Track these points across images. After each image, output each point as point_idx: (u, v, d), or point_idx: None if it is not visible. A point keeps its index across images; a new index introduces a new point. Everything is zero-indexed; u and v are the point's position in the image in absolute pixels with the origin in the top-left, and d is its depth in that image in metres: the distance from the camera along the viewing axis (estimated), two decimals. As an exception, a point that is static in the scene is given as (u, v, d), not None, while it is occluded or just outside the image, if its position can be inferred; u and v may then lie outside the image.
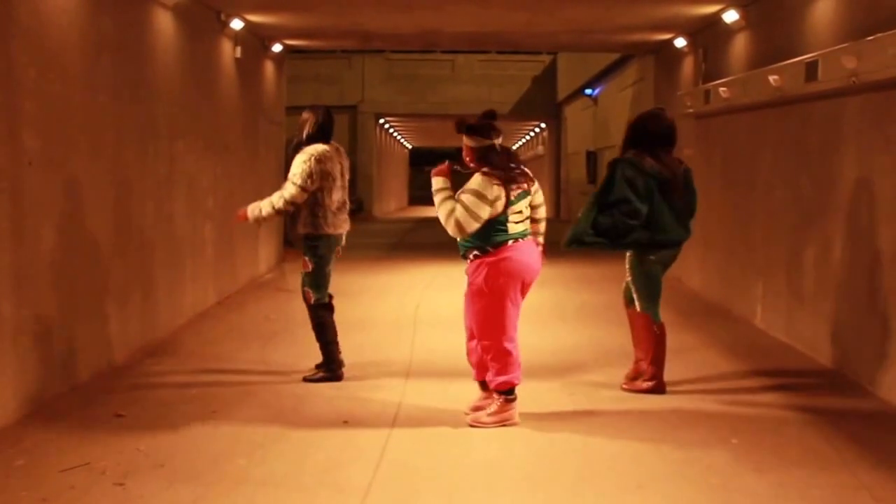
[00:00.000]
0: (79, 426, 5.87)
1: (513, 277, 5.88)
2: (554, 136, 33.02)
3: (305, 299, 7.16)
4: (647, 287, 6.82)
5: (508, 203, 5.83)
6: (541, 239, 6.21)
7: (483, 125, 5.96)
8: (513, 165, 5.97)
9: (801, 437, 5.77)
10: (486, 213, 5.78)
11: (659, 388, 6.77)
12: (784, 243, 8.73)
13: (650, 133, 6.73)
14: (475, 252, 5.92)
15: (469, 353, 6.19)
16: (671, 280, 12.90)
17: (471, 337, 6.12)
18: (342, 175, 7.12)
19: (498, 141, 5.95)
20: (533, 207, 6.10)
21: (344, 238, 7.25)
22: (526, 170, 6.07)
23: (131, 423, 5.97)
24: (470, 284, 6.00)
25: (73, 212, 6.81)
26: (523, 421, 6.00)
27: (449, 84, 31.68)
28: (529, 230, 6.02)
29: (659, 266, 6.83)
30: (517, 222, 5.90)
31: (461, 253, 6.06)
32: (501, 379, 5.94)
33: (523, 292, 6.02)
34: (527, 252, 5.93)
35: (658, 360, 6.80)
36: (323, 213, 7.01)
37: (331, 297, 7.21)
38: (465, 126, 5.96)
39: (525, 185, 5.96)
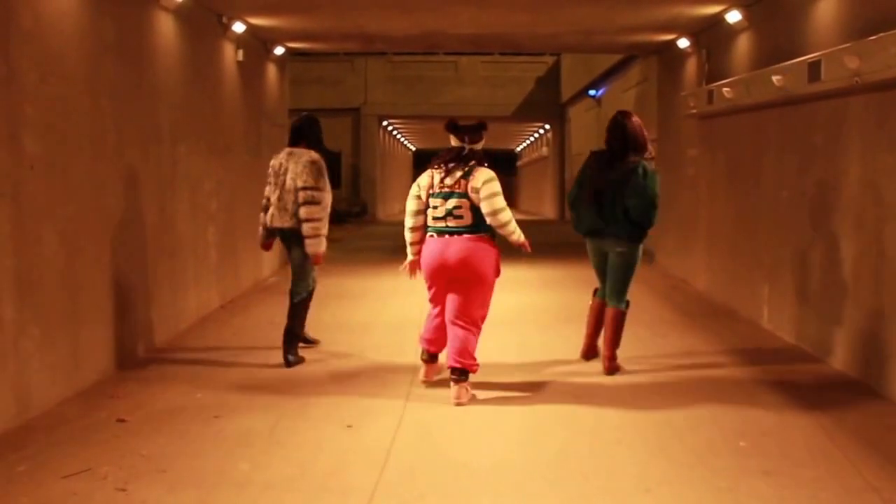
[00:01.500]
0: (81, 431, 5.85)
1: (424, 268, 6.74)
2: (558, 137, 32.99)
3: None
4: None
5: (430, 195, 6.65)
6: (515, 237, 6.71)
7: (458, 126, 6.71)
8: (444, 164, 6.64)
9: (808, 438, 5.73)
10: (414, 196, 6.76)
11: (589, 354, 7.70)
12: (790, 244, 8.70)
13: (606, 135, 7.46)
14: None
15: None
16: (677, 281, 12.91)
17: None
18: (278, 174, 7.73)
19: (472, 146, 6.66)
20: (490, 214, 6.54)
21: (294, 237, 7.67)
22: (475, 174, 6.55)
23: (133, 427, 5.94)
24: None
25: (74, 215, 6.79)
26: (529, 423, 5.99)
27: (453, 86, 31.64)
28: (452, 227, 6.57)
29: (591, 254, 7.56)
30: (434, 218, 6.64)
31: None
32: None
33: (449, 285, 6.61)
34: (434, 246, 6.62)
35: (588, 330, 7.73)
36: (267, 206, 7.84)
37: (291, 292, 7.83)
38: (448, 126, 6.75)
39: (453, 186, 6.56)
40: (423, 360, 7.05)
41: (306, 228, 7.53)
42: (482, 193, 6.51)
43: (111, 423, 6.03)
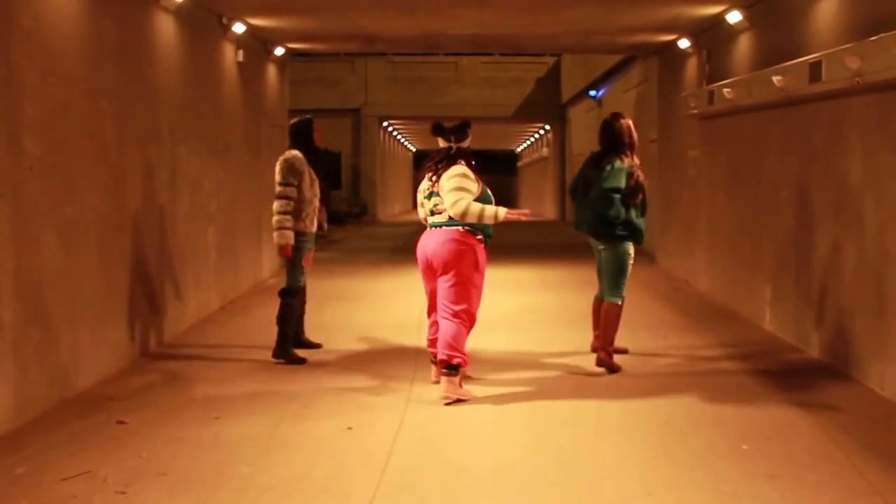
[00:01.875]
0: (80, 433, 5.82)
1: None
2: (559, 137, 32.98)
3: None
4: None
5: (425, 196, 6.88)
6: (490, 220, 6.67)
7: (443, 128, 6.87)
8: (430, 164, 6.85)
9: (812, 441, 5.71)
10: (419, 204, 6.96)
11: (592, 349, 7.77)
12: (792, 244, 8.68)
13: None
14: None
15: None
16: (678, 282, 12.89)
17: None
18: None
19: (458, 144, 6.80)
20: (449, 209, 6.66)
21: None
22: (444, 174, 6.70)
23: (133, 429, 5.92)
24: None
25: (74, 217, 6.77)
26: (530, 424, 5.98)
27: (453, 86, 31.62)
28: (436, 222, 6.74)
29: (593, 249, 7.77)
30: (430, 215, 6.84)
31: None
32: None
33: (434, 277, 6.78)
34: (421, 239, 6.87)
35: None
36: None
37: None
38: (433, 129, 6.92)
39: (431, 187, 6.80)
40: (431, 361, 7.16)
41: (273, 222, 7.83)
42: (443, 190, 6.67)
43: (111, 425, 6.01)
